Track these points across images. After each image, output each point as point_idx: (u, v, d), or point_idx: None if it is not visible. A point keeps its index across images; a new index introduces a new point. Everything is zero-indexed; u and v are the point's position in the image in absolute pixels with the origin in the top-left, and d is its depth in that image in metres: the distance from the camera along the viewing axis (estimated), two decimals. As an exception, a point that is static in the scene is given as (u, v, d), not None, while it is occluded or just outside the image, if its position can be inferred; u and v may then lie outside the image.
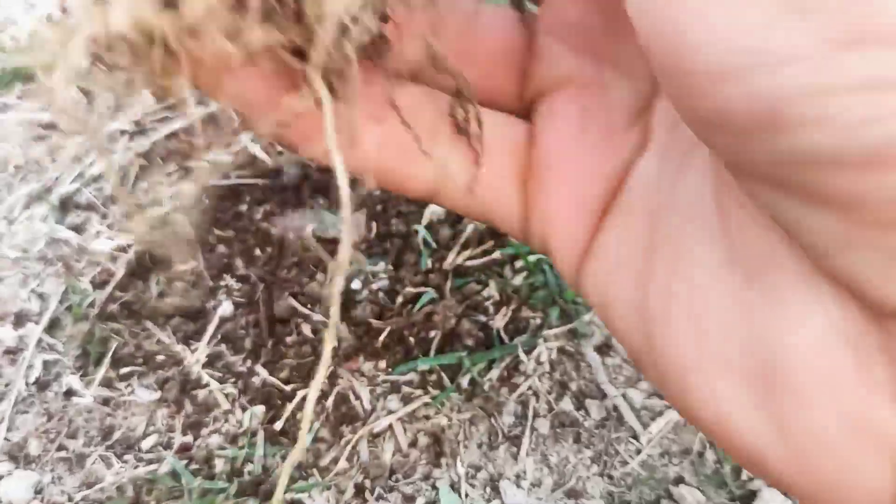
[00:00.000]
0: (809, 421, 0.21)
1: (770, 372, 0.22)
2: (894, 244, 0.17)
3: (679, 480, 0.70)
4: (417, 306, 0.76)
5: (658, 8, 0.18)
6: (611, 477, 0.70)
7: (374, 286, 0.77)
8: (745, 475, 0.71)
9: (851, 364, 0.20)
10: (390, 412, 0.71)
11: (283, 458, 0.68)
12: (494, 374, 0.73)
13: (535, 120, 0.33)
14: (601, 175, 0.30)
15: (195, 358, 0.73)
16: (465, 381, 0.73)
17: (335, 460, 0.68)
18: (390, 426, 0.71)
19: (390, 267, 0.79)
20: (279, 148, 0.85)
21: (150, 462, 0.68)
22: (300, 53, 0.25)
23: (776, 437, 0.22)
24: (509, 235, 0.37)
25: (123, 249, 0.78)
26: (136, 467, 0.68)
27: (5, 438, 0.69)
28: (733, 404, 0.23)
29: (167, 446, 0.70)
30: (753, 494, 0.69)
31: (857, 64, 0.16)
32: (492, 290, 0.78)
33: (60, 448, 0.69)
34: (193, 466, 0.68)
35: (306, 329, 0.75)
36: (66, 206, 0.80)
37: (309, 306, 0.76)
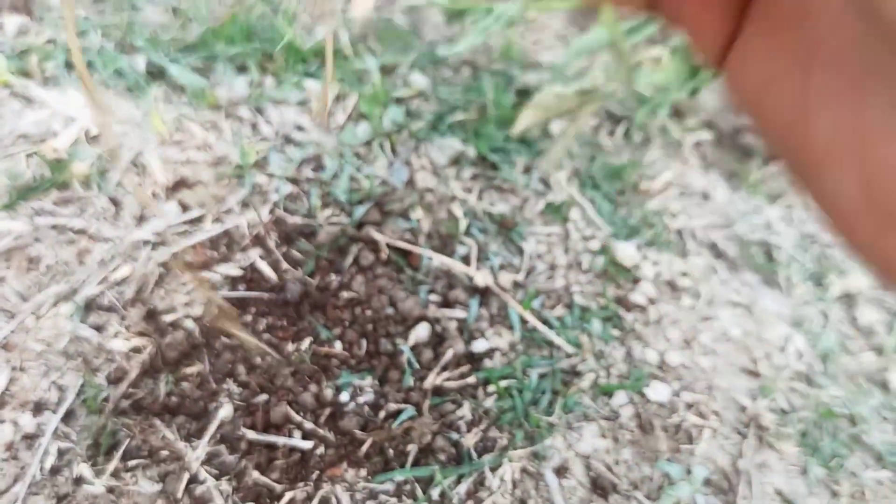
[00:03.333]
0: None
1: None
2: None
3: None
4: (398, 421, 0.84)
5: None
6: (560, 590, 0.78)
7: (361, 399, 0.86)
8: None
9: None
10: (367, 517, 0.79)
11: (269, 553, 0.76)
12: (462, 488, 0.82)
13: None
14: None
15: (195, 455, 0.81)
16: (435, 493, 0.81)
17: (315, 559, 0.76)
18: (366, 530, 0.79)
19: (376, 382, 0.88)
20: (284, 266, 0.95)
21: (147, 549, 0.76)
22: None
23: None
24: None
25: (138, 350, 0.86)
26: (134, 553, 0.75)
27: (17, 518, 0.76)
28: None
29: (164, 535, 0.77)
30: None
31: None
32: (465, 410, 0.87)
33: (66, 531, 0.76)
34: (186, 556, 0.75)
35: (297, 435, 0.83)
36: (89, 306, 0.88)
37: (301, 414, 0.84)
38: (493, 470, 0.83)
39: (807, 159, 0.27)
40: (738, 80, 0.29)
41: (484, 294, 0.98)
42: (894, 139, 0.23)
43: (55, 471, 0.79)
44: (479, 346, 0.92)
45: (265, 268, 0.95)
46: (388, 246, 0.99)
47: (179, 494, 0.79)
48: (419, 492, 0.81)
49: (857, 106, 0.24)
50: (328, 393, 0.86)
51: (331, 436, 0.83)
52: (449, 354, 0.91)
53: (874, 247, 0.26)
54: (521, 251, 1.04)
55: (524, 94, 1.24)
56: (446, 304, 0.96)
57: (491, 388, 0.89)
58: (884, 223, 0.25)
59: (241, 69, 1.19)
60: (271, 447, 0.82)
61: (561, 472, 0.85)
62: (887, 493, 0.87)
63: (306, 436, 0.83)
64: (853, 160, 0.25)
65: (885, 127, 0.23)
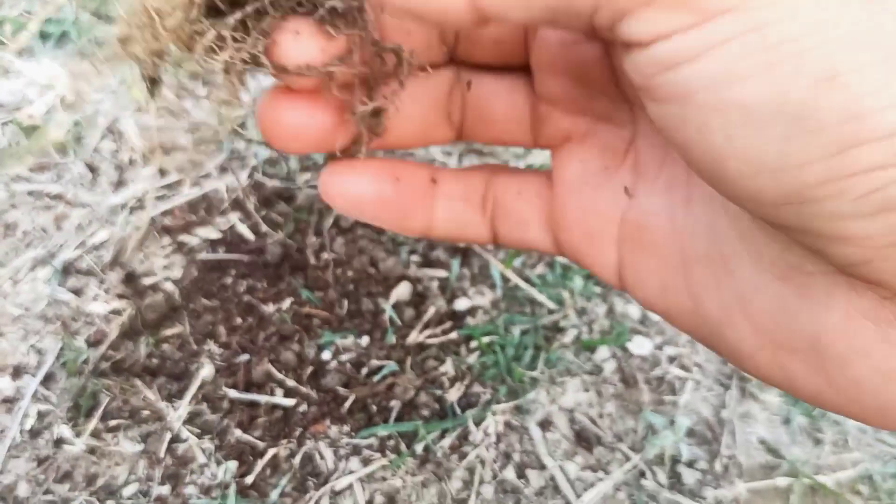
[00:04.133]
0: (850, 376, 0.30)
1: (815, 347, 0.30)
2: None
3: (606, 545, 0.78)
4: (380, 377, 0.84)
5: (694, 135, 0.26)
6: (546, 540, 0.78)
7: (343, 357, 0.86)
8: (663, 543, 0.79)
9: (872, 332, 0.29)
10: (351, 472, 0.79)
11: (252, 509, 0.75)
12: (446, 442, 0.82)
13: (553, 172, 0.41)
14: (605, 215, 0.38)
15: (177, 415, 0.80)
16: (419, 448, 0.81)
17: (299, 513, 0.76)
18: (350, 485, 0.78)
19: (358, 341, 0.88)
20: (263, 228, 0.95)
21: (129, 508, 0.75)
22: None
23: (829, 387, 0.31)
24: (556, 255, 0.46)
25: (117, 312, 0.86)
26: (116, 512, 0.75)
27: (-3, 480, 0.75)
28: (796, 372, 0.31)
29: (146, 494, 0.76)
30: (671, 559, 0.78)
31: (854, 159, 0.25)
32: (448, 367, 0.87)
33: (47, 492, 0.76)
34: (169, 514, 0.75)
35: (279, 393, 0.83)
36: (67, 270, 0.88)
37: (283, 373, 0.84)
38: (477, 424, 0.83)
39: (707, 328, 0.34)
40: (638, 294, 0.37)
41: (465, 254, 0.97)
42: (764, 289, 0.31)
43: (35, 433, 0.79)
44: (460, 304, 0.92)
45: (245, 230, 0.94)
46: (369, 208, 0.99)
47: (162, 454, 0.79)
48: (403, 447, 0.81)
49: (730, 277, 0.32)
50: (310, 352, 0.86)
51: (313, 393, 0.83)
52: (431, 312, 0.90)
53: (774, 375, 0.32)
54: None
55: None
56: (427, 263, 0.96)
57: (473, 344, 0.89)
58: (774, 353, 0.32)
59: (219, 39, 1.18)
60: (253, 405, 0.82)
61: (545, 425, 0.85)
62: (870, 441, 0.87)
63: (288, 394, 0.83)
64: (740, 316, 0.32)
65: (755, 281, 0.31)
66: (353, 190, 0.39)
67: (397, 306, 0.91)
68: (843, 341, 0.29)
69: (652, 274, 0.36)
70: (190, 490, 0.77)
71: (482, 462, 0.81)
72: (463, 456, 0.81)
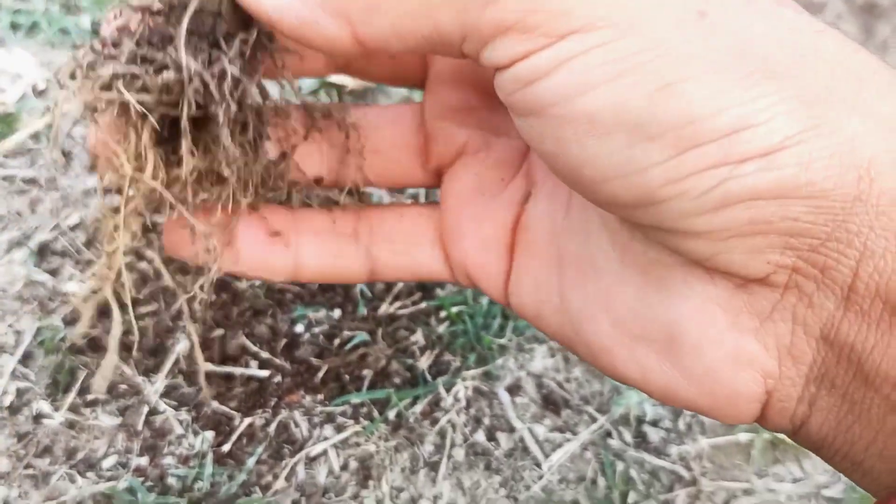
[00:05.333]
0: (703, 364, 0.32)
1: (671, 336, 0.33)
2: (748, 247, 0.28)
3: (574, 503, 0.81)
4: (351, 346, 0.87)
5: (552, 146, 0.29)
6: (516, 499, 0.80)
7: (316, 330, 0.88)
8: (630, 499, 0.82)
9: (724, 320, 0.31)
10: (325, 439, 0.81)
11: (230, 476, 0.77)
12: (418, 408, 0.84)
13: (442, 189, 0.44)
14: (499, 221, 0.41)
15: (154, 388, 0.82)
16: (392, 414, 0.83)
17: (275, 479, 0.78)
18: (325, 451, 0.81)
19: (331, 314, 0.90)
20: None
21: (109, 479, 0.77)
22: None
23: (683, 379, 0.33)
24: (443, 282, 0.48)
25: (93, 292, 0.87)
26: (96, 483, 0.77)
27: (-22, 457, 0.77)
28: (651, 363, 0.34)
29: (125, 466, 0.78)
30: (637, 516, 0.81)
31: (693, 159, 0.27)
32: (418, 337, 0.89)
33: (28, 466, 0.78)
34: (148, 484, 0.77)
35: (254, 365, 0.85)
36: (43, 252, 0.89)
37: (257, 346, 0.86)
38: (448, 390, 0.86)
39: (570, 326, 0.37)
40: (515, 299, 0.40)
41: (434, 229, 1.00)
42: (626, 283, 0.33)
43: (14, 410, 0.81)
44: (430, 277, 0.95)
45: (217, 211, 0.96)
46: (339, 187, 1.01)
47: (140, 426, 0.80)
48: (376, 413, 0.83)
49: (596, 274, 0.35)
50: (283, 326, 0.88)
51: (287, 365, 0.85)
52: (401, 285, 0.93)
53: (629, 370, 0.35)
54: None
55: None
56: (397, 238, 0.98)
57: (443, 314, 0.91)
58: (631, 346, 0.34)
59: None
60: (229, 378, 0.84)
61: (513, 390, 0.87)
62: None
63: (263, 365, 0.85)
64: (602, 310, 0.35)
65: (618, 277, 0.34)
66: (198, 246, 0.41)
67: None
68: (696, 329, 0.32)
69: (529, 274, 0.39)
70: (168, 461, 0.79)
71: (453, 426, 0.83)
72: (434, 421, 0.84)
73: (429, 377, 0.86)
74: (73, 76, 0.35)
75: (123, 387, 0.82)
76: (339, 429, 0.82)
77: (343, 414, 0.83)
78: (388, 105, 0.42)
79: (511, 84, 0.29)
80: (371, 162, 0.43)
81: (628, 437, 0.85)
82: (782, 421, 0.32)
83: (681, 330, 0.32)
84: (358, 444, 0.81)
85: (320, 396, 0.84)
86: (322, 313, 0.89)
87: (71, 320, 0.85)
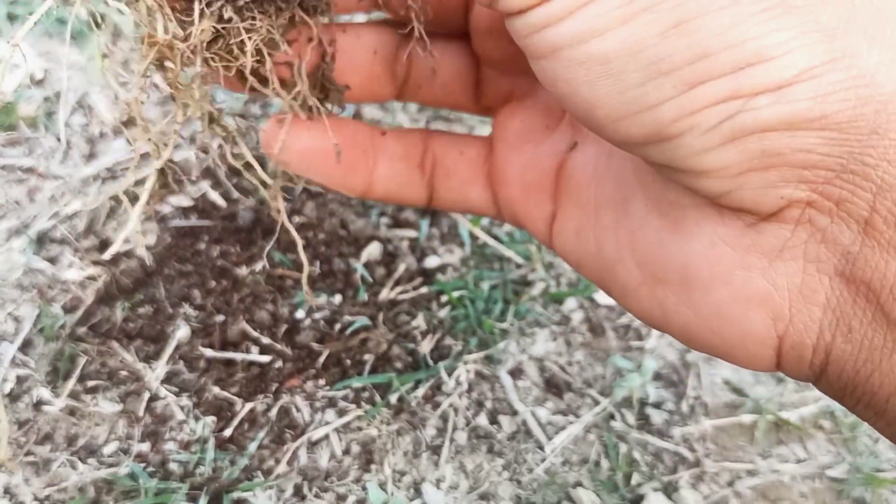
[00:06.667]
0: (713, 303, 0.32)
1: (684, 277, 0.33)
2: (761, 182, 0.28)
3: (578, 485, 0.80)
4: (352, 331, 0.86)
5: (566, 88, 0.29)
6: (519, 482, 0.80)
7: (317, 315, 0.88)
8: (634, 480, 0.82)
9: (733, 258, 0.31)
10: (327, 423, 0.81)
11: (232, 461, 0.77)
12: (420, 392, 0.84)
13: (494, 132, 0.45)
14: (544, 168, 0.41)
15: (155, 375, 0.82)
16: (393, 398, 0.83)
17: (277, 463, 0.78)
18: (327, 435, 0.80)
19: (331, 300, 0.90)
20: (235, 195, 0.96)
21: (110, 465, 0.77)
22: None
23: (696, 317, 0.33)
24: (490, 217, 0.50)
25: (93, 278, 0.87)
26: (97, 469, 0.76)
27: (-21, 443, 0.77)
28: (669, 304, 0.34)
29: (127, 452, 0.78)
30: (642, 497, 0.80)
31: (703, 94, 0.27)
32: (419, 321, 0.89)
33: (29, 454, 0.77)
34: (150, 469, 0.77)
35: (255, 351, 0.84)
36: (42, 240, 0.89)
37: (258, 331, 0.86)
38: (450, 374, 0.85)
39: (606, 271, 0.37)
40: (559, 245, 0.41)
41: (434, 214, 0.99)
42: (648, 225, 0.34)
43: (15, 397, 0.80)
44: (430, 262, 0.94)
45: (216, 198, 0.96)
46: (339, 174, 1.00)
47: (141, 412, 0.80)
48: (377, 397, 0.83)
49: (626, 217, 0.35)
50: (284, 311, 0.88)
51: (288, 350, 0.85)
52: (401, 270, 0.92)
53: (653, 311, 0.35)
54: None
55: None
56: (397, 224, 0.98)
57: (444, 299, 0.91)
58: (652, 287, 0.34)
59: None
60: (230, 363, 0.84)
61: (515, 374, 0.87)
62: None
63: (264, 351, 0.85)
64: (629, 253, 0.35)
65: (642, 219, 0.34)
66: (296, 144, 0.42)
67: (368, 265, 0.93)
68: (706, 268, 0.32)
69: (571, 221, 0.39)
70: (170, 446, 0.78)
71: (455, 410, 0.83)
72: (436, 405, 0.83)
73: (430, 361, 0.86)
74: None
75: (124, 373, 0.82)
76: (341, 413, 0.81)
77: (345, 398, 0.82)
78: (449, 39, 0.44)
79: (524, 28, 0.29)
80: (429, 89, 0.44)
81: (631, 419, 0.85)
82: (801, 369, 0.32)
83: (692, 269, 0.32)
84: (360, 429, 0.81)
85: (322, 381, 0.83)
86: (323, 298, 0.89)
87: (71, 308, 0.85)
